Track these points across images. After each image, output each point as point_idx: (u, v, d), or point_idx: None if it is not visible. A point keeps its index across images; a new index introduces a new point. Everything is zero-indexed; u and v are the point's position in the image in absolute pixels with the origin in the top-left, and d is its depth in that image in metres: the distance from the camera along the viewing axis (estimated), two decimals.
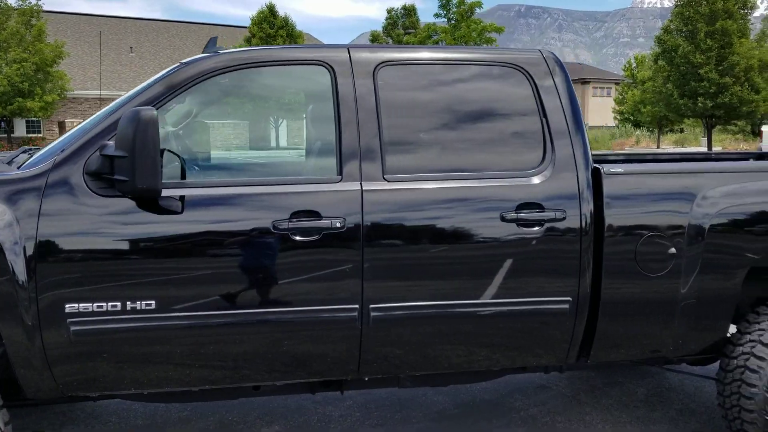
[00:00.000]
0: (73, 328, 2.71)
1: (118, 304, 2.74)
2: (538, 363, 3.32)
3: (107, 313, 2.73)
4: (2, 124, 31.80)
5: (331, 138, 3.03)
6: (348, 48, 3.12)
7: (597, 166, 3.21)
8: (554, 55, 3.32)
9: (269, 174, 3.65)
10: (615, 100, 52.74)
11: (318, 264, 2.90)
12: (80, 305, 2.71)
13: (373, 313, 2.94)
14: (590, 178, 3.16)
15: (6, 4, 29.10)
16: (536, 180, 3.12)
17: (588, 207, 3.12)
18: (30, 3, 29.30)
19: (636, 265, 3.15)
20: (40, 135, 36.43)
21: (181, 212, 2.80)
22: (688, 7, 28.64)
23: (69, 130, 3.71)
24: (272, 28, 34.42)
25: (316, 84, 3.17)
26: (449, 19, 25.46)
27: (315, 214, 2.89)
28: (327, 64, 3.07)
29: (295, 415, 4.08)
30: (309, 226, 2.87)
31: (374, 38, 54.07)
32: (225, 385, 3.07)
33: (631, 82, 46.45)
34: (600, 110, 71.05)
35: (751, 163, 3.47)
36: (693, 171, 3.34)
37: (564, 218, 3.09)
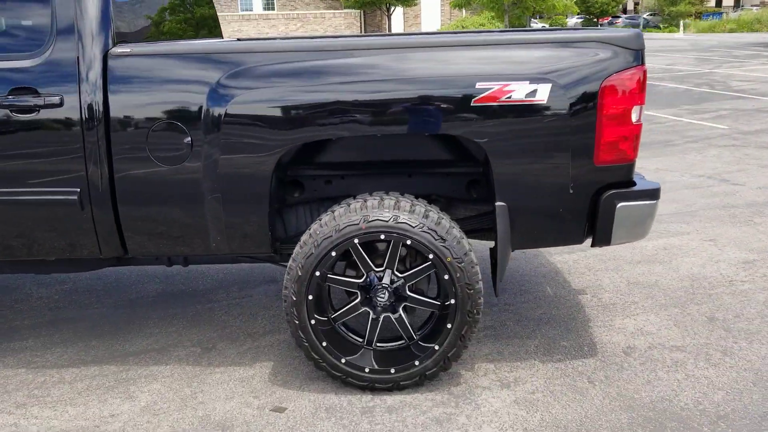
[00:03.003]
0: None
1: None
2: (81, 255, 3.20)
3: None
4: None
5: None
6: None
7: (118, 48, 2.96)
8: None
9: None
10: None
11: None
12: None
13: None
14: (99, 61, 2.92)
15: None
16: (34, 62, 2.92)
17: (92, 92, 2.90)
18: None
19: (149, 155, 2.93)
20: None
21: None
22: None
23: None
24: None
25: None
26: None
27: None
28: None
29: None
30: None
31: None
32: None
33: None
34: None
35: (280, 43, 2.96)
36: (209, 52, 2.95)
37: (61, 104, 2.90)
